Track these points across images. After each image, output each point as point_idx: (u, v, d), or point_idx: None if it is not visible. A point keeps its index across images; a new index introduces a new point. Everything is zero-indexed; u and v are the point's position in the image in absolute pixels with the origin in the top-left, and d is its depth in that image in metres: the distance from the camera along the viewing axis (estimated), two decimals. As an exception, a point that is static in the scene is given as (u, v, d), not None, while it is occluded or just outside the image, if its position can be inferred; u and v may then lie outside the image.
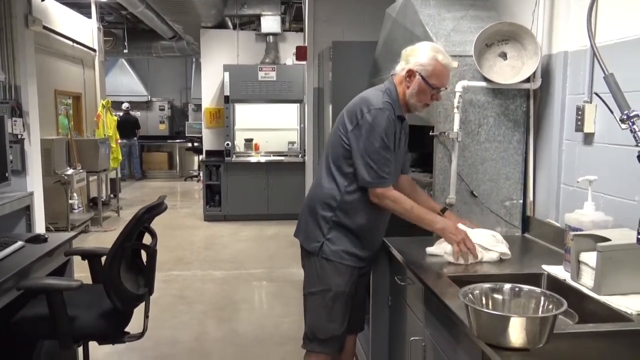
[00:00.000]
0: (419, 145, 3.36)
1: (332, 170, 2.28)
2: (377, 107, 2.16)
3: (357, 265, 2.33)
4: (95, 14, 8.53)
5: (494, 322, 1.37)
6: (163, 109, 14.36)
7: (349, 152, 2.21)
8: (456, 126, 2.52)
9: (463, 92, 2.51)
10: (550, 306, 1.44)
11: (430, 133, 2.63)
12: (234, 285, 5.00)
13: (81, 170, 6.76)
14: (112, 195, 8.51)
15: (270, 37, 8.02)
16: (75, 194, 7.01)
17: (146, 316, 2.52)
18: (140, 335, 2.45)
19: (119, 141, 8.64)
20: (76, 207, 7.12)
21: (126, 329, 2.45)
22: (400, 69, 2.25)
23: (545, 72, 2.51)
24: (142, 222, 2.29)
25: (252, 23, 8.80)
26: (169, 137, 13.98)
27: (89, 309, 2.32)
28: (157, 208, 2.36)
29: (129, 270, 2.37)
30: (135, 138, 12.51)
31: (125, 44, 10.92)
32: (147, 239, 2.54)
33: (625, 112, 1.50)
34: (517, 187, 2.65)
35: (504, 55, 2.57)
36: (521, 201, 2.65)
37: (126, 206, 8.85)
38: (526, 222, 2.66)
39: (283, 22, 8.44)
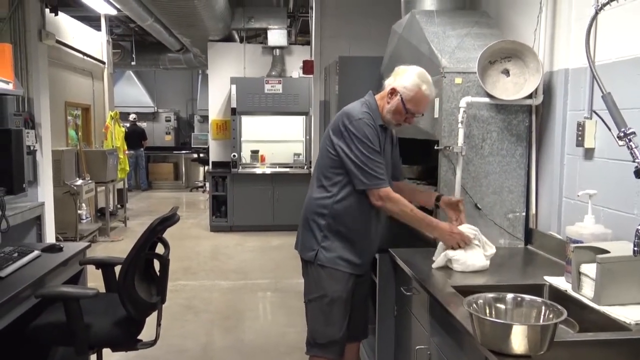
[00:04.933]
0: (424, 159, 3.44)
1: (322, 181, 2.41)
2: (357, 117, 2.31)
3: (352, 272, 2.41)
4: (104, 27, 8.67)
5: (497, 330, 1.44)
6: (169, 120, 14.50)
7: (335, 162, 2.34)
8: (460, 140, 2.60)
9: (467, 108, 2.58)
10: (551, 315, 1.50)
11: (435, 147, 2.70)
12: (239, 295, 5.06)
13: (90, 181, 6.85)
14: (119, 206, 8.60)
15: (277, 50, 8.14)
16: (83, 204, 7.09)
17: (158, 324, 2.59)
18: (152, 343, 2.51)
19: (126, 152, 8.74)
20: (84, 217, 7.20)
21: (139, 337, 2.52)
22: (387, 84, 2.39)
23: (547, 88, 2.59)
24: (156, 232, 2.36)
25: (258, 36, 8.93)
26: (175, 148, 14.09)
27: (104, 317, 2.39)
28: (170, 219, 2.44)
29: (142, 279, 2.44)
30: (142, 149, 12.63)
31: (133, 56, 11.08)
32: (157, 249, 2.62)
33: (622, 129, 1.57)
34: (520, 200, 2.71)
35: (506, 72, 2.64)
36: (524, 214, 2.72)
37: (133, 216, 8.94)
38: (529, 234, 2.72)
39: (289, 35, 8.56)
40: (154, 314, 2.59)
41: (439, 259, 2.30)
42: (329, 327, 2.38)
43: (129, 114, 12.59)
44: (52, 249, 2.70)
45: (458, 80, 2.63)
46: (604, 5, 1.61)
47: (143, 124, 13.45)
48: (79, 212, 6.70)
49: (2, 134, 2.77)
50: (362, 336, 2.71)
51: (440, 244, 2.35)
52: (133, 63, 11.26)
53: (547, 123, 2.61)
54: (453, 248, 2.28)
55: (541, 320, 1.53)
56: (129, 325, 2.41)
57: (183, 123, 15.08)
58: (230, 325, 4.33)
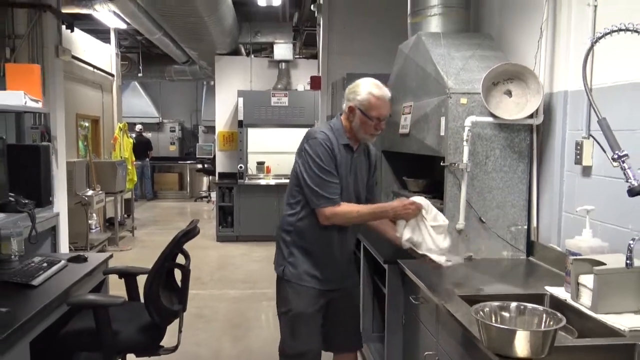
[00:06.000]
0: (430, 174, 3.59)
1: (289, 199, 2.50)
2: (313, 137, 2.39)
3: (318, 287, 2.45)
4: (114, 40, 8.87)
5: (503, 335, 1.58)
6: (174, 131, 14.70)
7: (298, 180, 2.43)
8: (465, 157, 2.74)
9: (472, 127, 2.73)
10: (552, 322, 1.64)
11: (441, 163, 2.85)
12: (248, 304, 5.19)
13: (100, 192, 6.99)
14: (126, 216, 8.75)
15: (283, 64, 8.32)
16: (94, 214, 7.23)
17: (180, 331, 2.72)
18: (174, 349, 2.65)
19: (134, 163, 8.90)
20: (94, 227, 7.34)
21: (160, 343, 2.65)
22: (345, 106, 2.47)
23: (547, 109, 2.74)
24: (180, 244, 2.51)
25: (264, 49, 9.12)
26: (180, 159, 14.27)
27: (129, 324, 2.53)
28: (192, 232, 2.59)
29: (165, 288, 2.58)
30: (148, 159, 12.79)
31: (140, 67, 11.28)
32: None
33: (616, 152, 1.71)
34: (522, 214, 2.85)
35: (509, 93, 2.80)
36: (526, 227, 2.86)
37: (140, 226, 9.08)
38: (530, 247, 2.86)
39: (294, 47, 8.75)
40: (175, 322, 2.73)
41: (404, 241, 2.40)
42: (295, 341, 2.45)
43: (134, 124, 12.76)
44: (78, 259, 2.84)
45: (463, 100, 2.78)
46: (599, 38, 1.76)
47: (148, 134, 13.63)
48: (89, 222, 6.84)
49: (31, 150, 2.91)
50: (356, 345, 2.71)
51: (401, 229, 2.42)
52: (140, 75, 11.47)
53: (548, 141, 2.76)
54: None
55: (542, 327, 1.66)
56: (153, 332, 2.54)
57: (187, 133, 15.28)
58: (240, 333, 4.45)
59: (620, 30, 1.67)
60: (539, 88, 2.69)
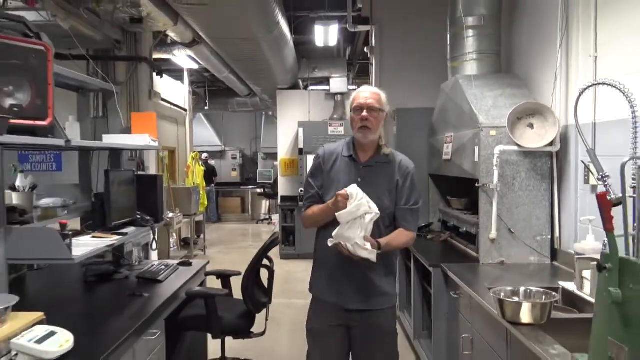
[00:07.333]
0: (470, 194, 4.19)
1: None
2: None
3: (319, 295, 2.58)
4: (187, 79, 9.91)
5: (513, 307, 2.18)
6: (235, 158, 15.74)
7: None
8: (495, 179, 3.35)
9: (500, 154, 3.34)
10: (548, 299, 2.23)
11: (476, 185, 3.46)
12: (312, 312, 5.85)
13: (179, 214, 7.89)
14: (197, 236, 9.64)
15: (338, 96, 9.09)
16: (173, 234, 8.14)
17: (267, 319, 3.43)
18: (262, 334, 3.34)
19: (205, 188, 9.83)
20: (172, 246, 8.23)
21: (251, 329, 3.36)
22: None
23: (564, 138, 3.32)
24: (267, 251, 3.23)
25: (321, 83, 9.94)
26: (241, 184, 15.24)
27: (229, 312, 3.25)
28: (275, 241, 3.31)
29: (256, 284, 3.29)
30: (213, 185, 13.81)
31: (207, 101, 12.36)
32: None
33: (601, 173, 2.28)
34: (546, 226, 3.41)
35: (531, 126, 3.39)
36: (549, 236, 3.41)
37: (209, 246, 9.95)
38: (554, 253, 3.41)
39: (348, 78, 9.51)
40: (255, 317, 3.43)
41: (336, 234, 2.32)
42: (309, 356, 2.62)
43: (200, 153, 13.82)
44: (185, 263, 3.61)
45: (493, 132, 3.40)
46: (584, 90, 2.35)
47: (212, 162, 14.70)
48: (170, 240, 7.73)
49: (151, 179, 3.74)
50: None
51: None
52: (206, 108, 12.55)
53: (564, 165, 3.33)
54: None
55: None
56: (247, 319, 3.26)
57: (247, 160, 16.29)
58: (307, 335, 5.11)
59: (599, 84, 2.26)
60: (555, 121, 3.28)
